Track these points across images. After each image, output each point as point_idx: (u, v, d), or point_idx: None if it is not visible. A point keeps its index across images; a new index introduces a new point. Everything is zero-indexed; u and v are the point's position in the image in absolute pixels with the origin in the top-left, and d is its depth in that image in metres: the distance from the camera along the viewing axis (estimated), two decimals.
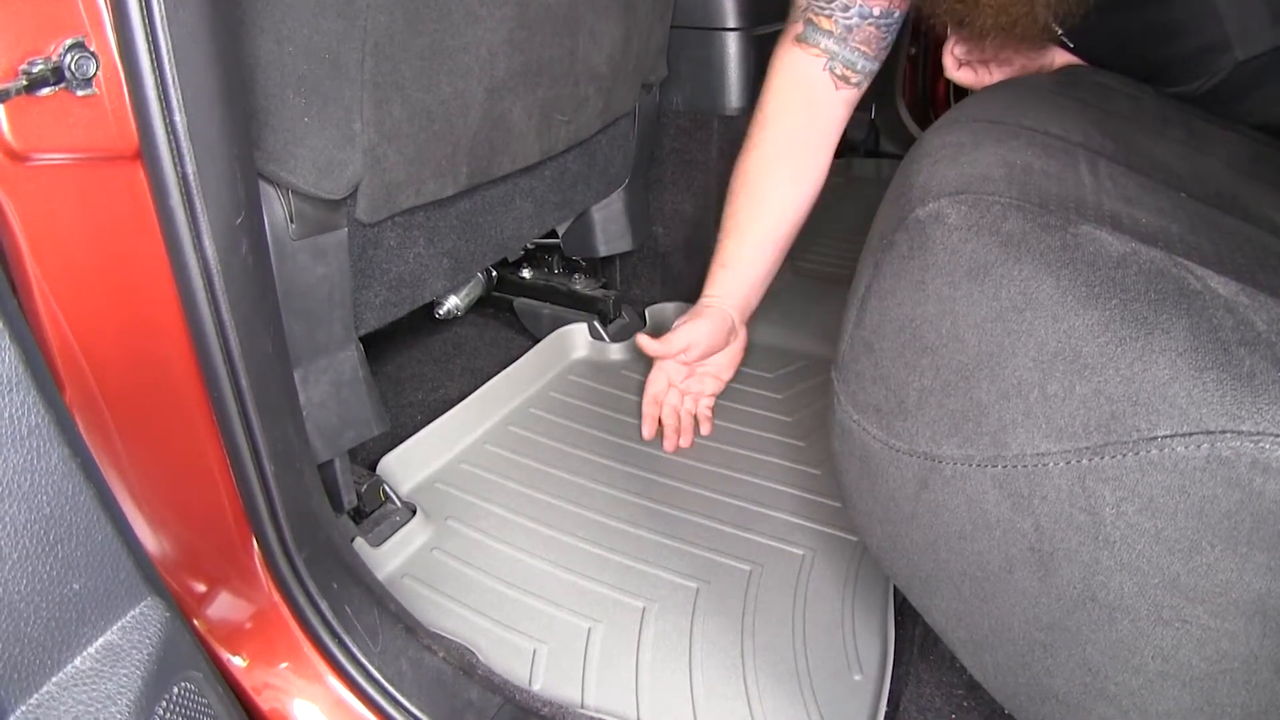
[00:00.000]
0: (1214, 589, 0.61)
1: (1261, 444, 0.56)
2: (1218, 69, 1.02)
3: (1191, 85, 1.05)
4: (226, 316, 0.77)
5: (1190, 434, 0.59)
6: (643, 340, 1.42)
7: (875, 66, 1.29)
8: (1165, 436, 0.60)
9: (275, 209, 0.97)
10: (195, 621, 0.93)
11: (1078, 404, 0.64)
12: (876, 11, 1.22)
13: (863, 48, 1.25)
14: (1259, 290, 0.64)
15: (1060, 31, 1.08)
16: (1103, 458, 0.63)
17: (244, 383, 0.81)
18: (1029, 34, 1.07)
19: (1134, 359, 0.62)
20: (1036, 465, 0.67)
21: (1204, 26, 1.00)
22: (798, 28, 1.26)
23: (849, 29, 1.23)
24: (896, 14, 1.23)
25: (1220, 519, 0.59)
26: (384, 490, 1.28)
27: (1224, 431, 0.58)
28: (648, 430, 1.49)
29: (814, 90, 1.29)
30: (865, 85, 1.31)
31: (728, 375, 1.52)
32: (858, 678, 1.05)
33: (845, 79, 1.27)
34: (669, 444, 1.47)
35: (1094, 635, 0.67)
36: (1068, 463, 0.65)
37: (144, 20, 0.64)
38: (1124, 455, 0.62)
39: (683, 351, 1.40)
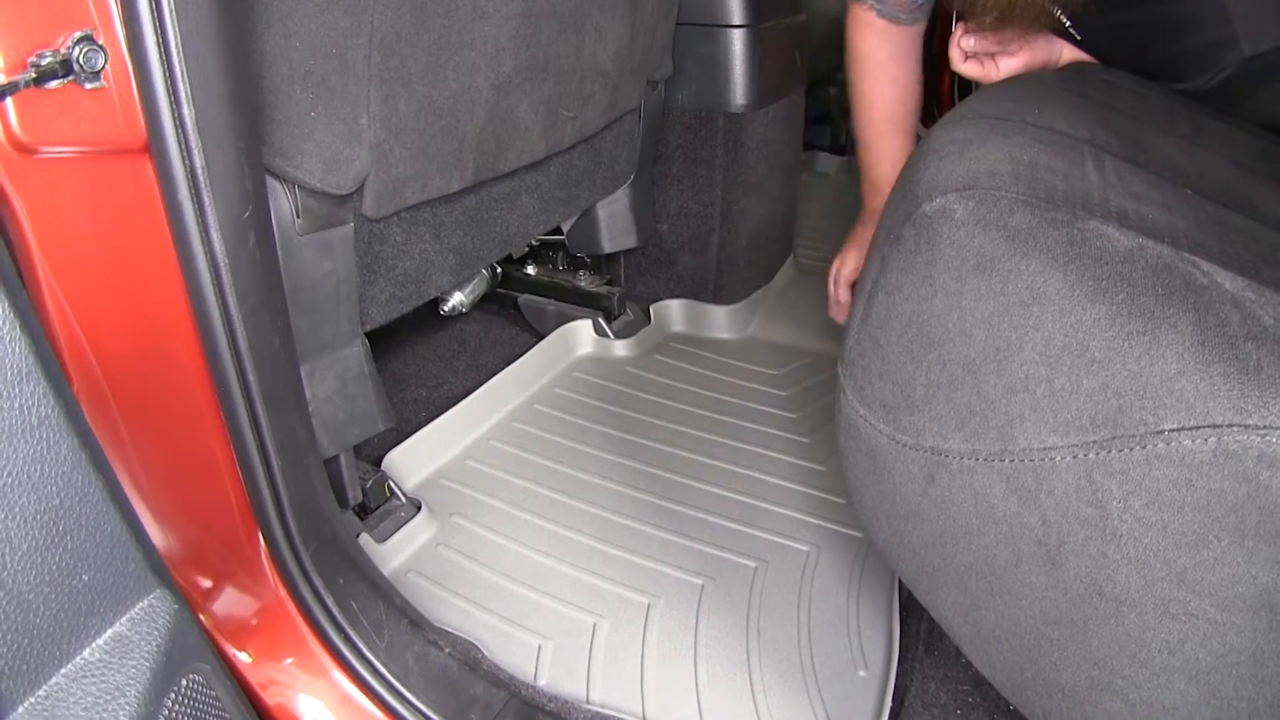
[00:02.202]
0: (1220, 583, 0.61)
1: (1268, 438, 0.56)
2: (1224, 65, 1.02)
3: (1197, 81, 1.05)
4: (234, 310, 0.77)
5: (1197, 428, 0.59)
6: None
7: (919, 15, 1.43)
8: (1172, 430, 0.60)
9: (282, 204, 0.97)
10: (201, 617, 0.93)
11: (1085, 398, 0.64)
12: None
13: (897, 7, 1.39)
14: (1265, 286, 0.64)
15: (1060, 14, 1.08)
16: (1110, 452, 0.63)
17: (251, 377, 0.81)
18: (1028, 17, 1.09)
19: (1141, 353, 0.62)
20: (1043, 460, 0.67)
21: (1211, 22, 1.00)
22: None
23: None
24: None
25: (1227, 513, 0.59)
26: (389, 486, 1.28)
27: (1231, 425, 0.58)
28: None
29: (880, 32, 1.43)
30: (922, 22, 1.45)
31: None
32: (863, 674, 1.05)
33: (897, 21, 1.41)
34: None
35: (1101, 629, 0.67)
36: (1075, 457, 0.65)
37: (153, 14, 0.64)
38: (1131, 449, 0.62)
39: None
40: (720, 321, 1.87)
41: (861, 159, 1.57)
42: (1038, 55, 1.20)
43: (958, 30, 1.25)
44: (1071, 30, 1.12)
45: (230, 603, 0.93)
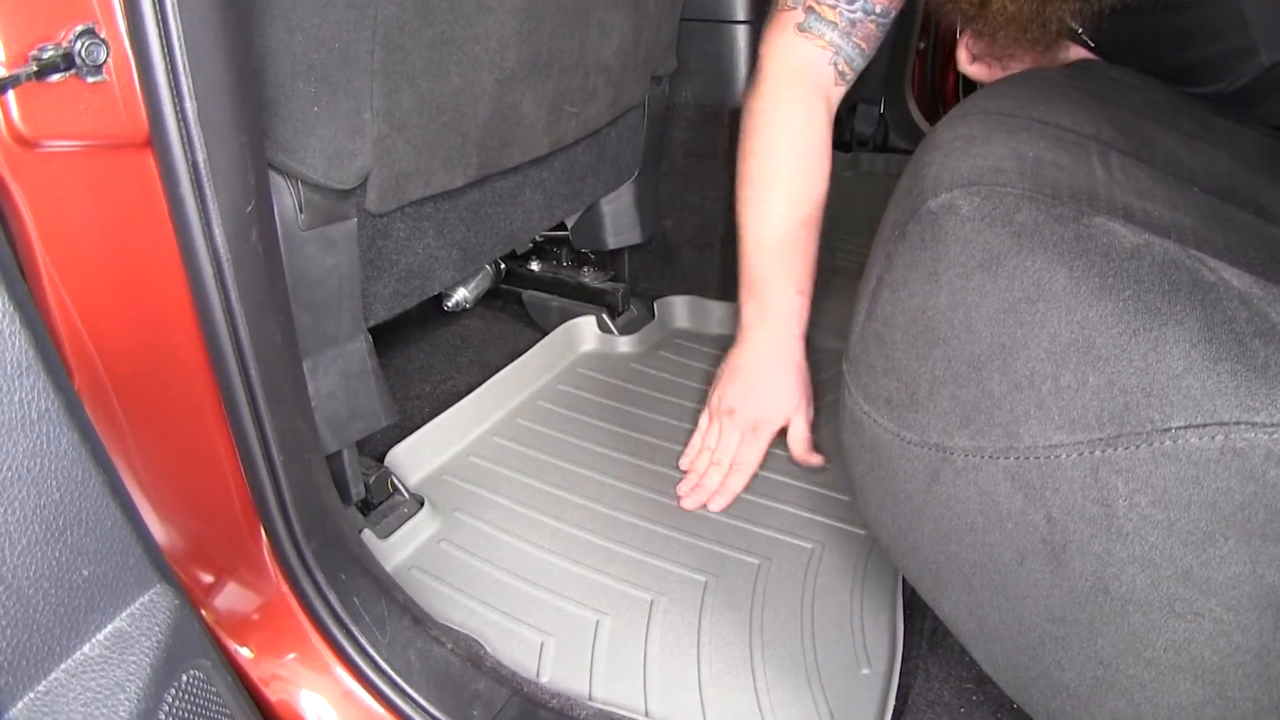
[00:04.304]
0: (1227, 581, 0.60)
1: (1276, 436, 0.56)
2: (1242, 73, 1.00)
3: (1213, 88, 1.04)
4: (236, 305, 0.77)
5: (1204, 425, 0.59)
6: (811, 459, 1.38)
7: (864, 65, 1.28)
8: (1179, 428, 0.60)
9: (285, 199, 0.96)
10: (203, 612, 0.93)
11: (1091, 395, 0.64)
12: (878, 9, 1.21)
13: (861, 44, 1.24)
14: (1272, 283, 0.64)
15: (1079, 29, 1.07)
16: (1116, 449, 0.63)
17: (253, 372, 0.80)
18: (1040, 39, 1.07)
19: (1148, 350, 0.62)
20: (1049, 457, 0.67)
21: (1230, 31, 0.98)
22: (797, 15, 1.23)
23: (852, 23, 1.21)
24: (892, 13, 1.23)
25: (1234, 511, 0.58)
26: (392, 482, 1.28)
27: (1238, 423, 0.57)
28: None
29: (820, 82, 1.26)
30: (851, 85, 1.30)
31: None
32: (866, 671, 1.05)
33: (843, 75, 1.25)
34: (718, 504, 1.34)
35: (1106, 628, 0.67)
36: (1080, 454, 0.65)
37: (155, 7, 0.64)
38: (1137, 447, 0.61)
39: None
40: (724, 318, 1.86)
41: (753, 271, 1.35)
42: (1045, 59, 1.19)
43: (967, 32, 1.23)
44: (1085, 37, 1.11)
45: (231, 598, 0.93)
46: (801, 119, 1.27)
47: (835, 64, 1.24)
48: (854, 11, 1.20)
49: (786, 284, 1.34)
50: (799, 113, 1.27)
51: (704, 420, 1.41)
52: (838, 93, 1.28)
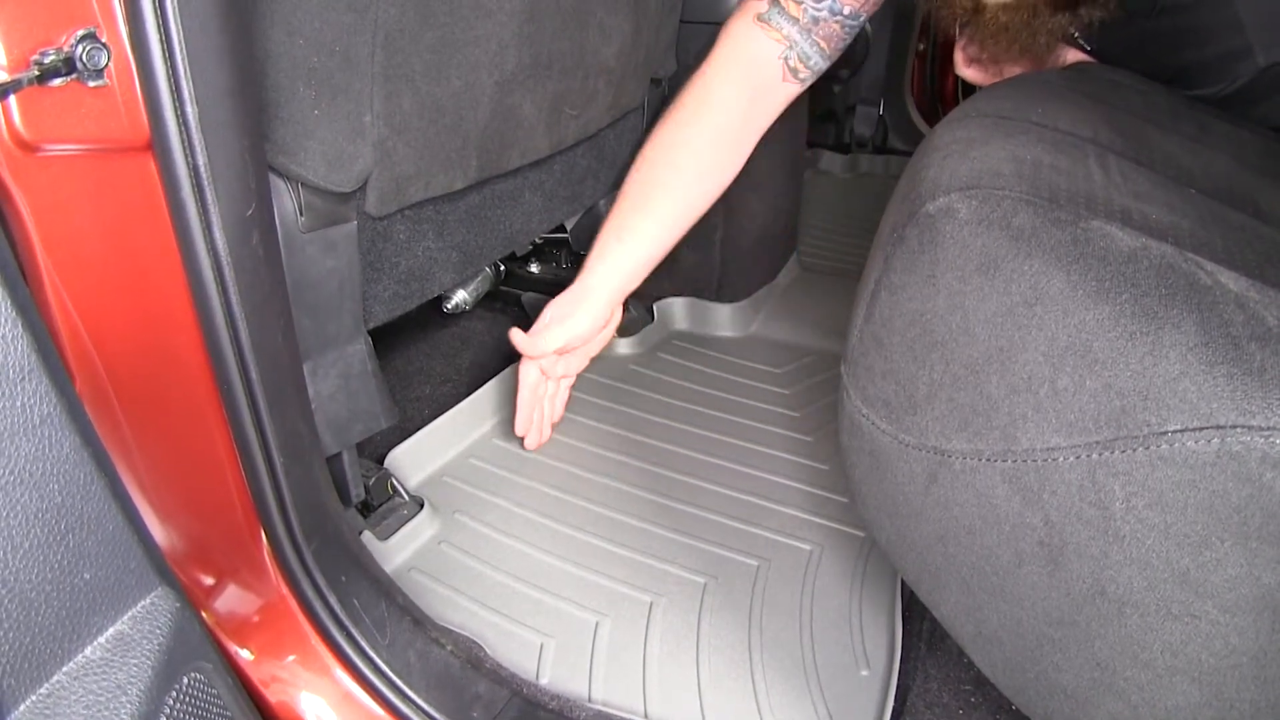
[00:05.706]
0: (1223, 584, 0.60)
1: (1272, 439, 0.56)
2: (1238, 75, 1.01)
3: (1210, 90, 1.04)
4: (237, 308, 0.77)
5: (1201, 429, 0.59)
6: (516, 337, 1.35)
7: (825, 66, 1.26)
8: (1175, 431, 0.60)
9: (285, 202, 0.97)
10: (203, 615, 0.93)
11: (1088, 398, 0.64)
12: (846, 10, 1.19)
13: (822, 44, 1.22)
14: (1269, 286, 0.64)
15: (1076, 34, 1.08)
16: (1113, 452, 0.63)
17: (254, 375, 0.81)
18: (1030, 50, 1.08)
19: (1144, 354, 0.62)
20: (1046, 460, 0.67)
21: (1225, 33, 0.99)
22: (760, 5, 1.22)
23: (815, 20, 1.20)
24: (861, 16, 1.22)
25: (1230, 514, 0.59)
26: (392, 484, 1.28)
27: (1234, 426, 0.58)
28: (524, 429, 1.41)
29: (761, 75, 1.24)
30: (809, 84, 1.28)
31: (595, 352, 1.45)
32: (865, 673, 1.05)
33: (795, 72, 1.24)
34: (534, 441, 1.42)
35: (1103, 630, 0.67)
36: (1077, 457, 0.65)
37: (156, 11, 0.64)
38: (1134, 450, 0.62)
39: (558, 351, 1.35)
40: (723, 320, 1.87)
41: (616, 221, 1.34)
42: (1040, 61, 1.19)
43: (964, 36, 1.24)
44: (1081, 41, 1.12)
45: (232, 600, 0.93)
46: (726, 104, 1.26)
47: (787, 59, 1.22)
48: (819, 10, 1.18)
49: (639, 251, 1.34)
50: (726, 97, 1.26)
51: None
52: (785, 90, 1.26)
